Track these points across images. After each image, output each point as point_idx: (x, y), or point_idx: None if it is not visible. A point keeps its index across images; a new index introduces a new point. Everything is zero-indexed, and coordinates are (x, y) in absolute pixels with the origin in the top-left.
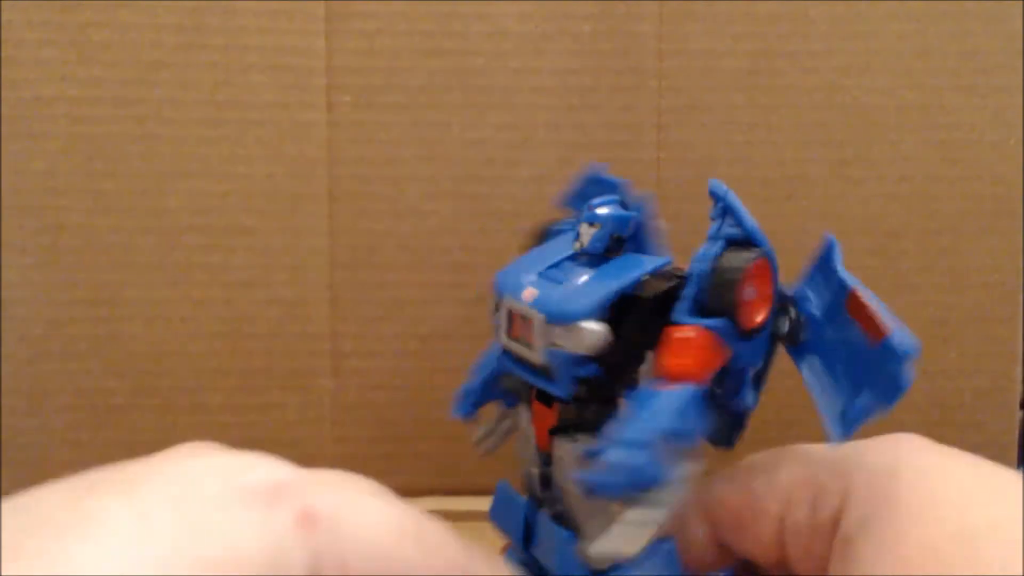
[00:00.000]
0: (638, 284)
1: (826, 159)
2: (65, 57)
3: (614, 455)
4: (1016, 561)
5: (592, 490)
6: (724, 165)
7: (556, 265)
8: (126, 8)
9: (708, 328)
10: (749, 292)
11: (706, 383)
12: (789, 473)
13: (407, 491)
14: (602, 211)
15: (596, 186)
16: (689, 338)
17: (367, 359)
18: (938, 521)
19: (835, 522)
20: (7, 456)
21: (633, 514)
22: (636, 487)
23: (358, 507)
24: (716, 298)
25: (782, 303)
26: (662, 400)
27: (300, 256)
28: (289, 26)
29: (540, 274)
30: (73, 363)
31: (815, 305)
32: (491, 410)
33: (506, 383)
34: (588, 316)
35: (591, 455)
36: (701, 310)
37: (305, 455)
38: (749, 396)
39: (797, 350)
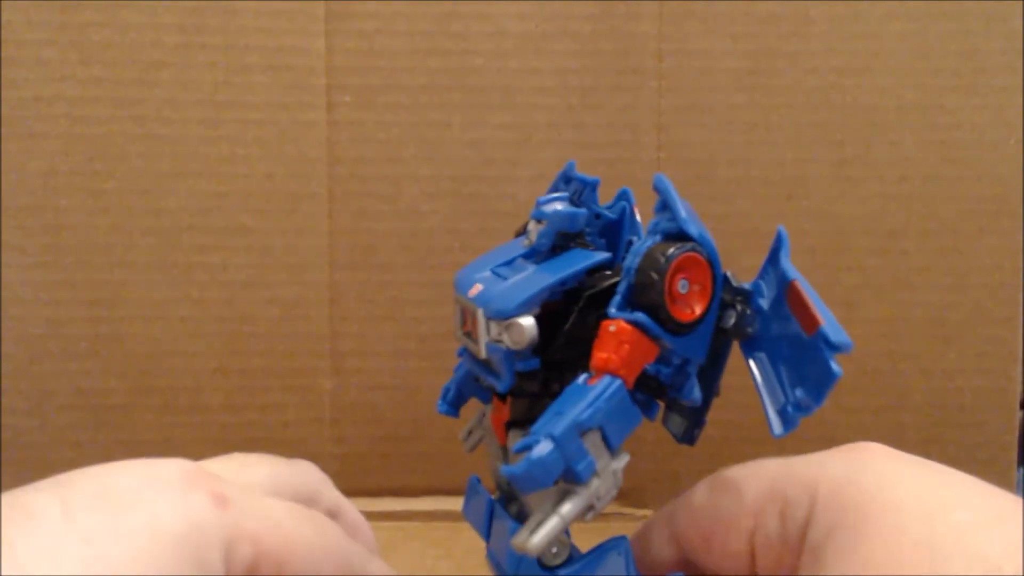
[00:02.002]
0: (579, 279)
1: (826, 159)
2: (65, 57)
3: (523, 447)
4: (978, 572)
5: (510, 483)
6: (724, 165)
7: (509, 262)
8: (126, 8)
9: (632, 322)
10: (682, 285)
11: (631, 377)
12: (756, 488)
13: (407, 491)
14: (548, 208)
15: (569, 184)
16: (612, 332)
17: (367, 359)
18: (901, 529)
19: (803, 534)
20: (7, 456)
21: (567, 508)
22: (541, 479)
23: (260, 497)
24: (641, 291)
25: (735, 296)
26: (579, 393)
27: (300, 256)
28: (289, 26)
29: (492, 270)
30: (73, 363)
31: (766, 299)
32: (476, 406)
33: (480, 380)
34: (520, 312)
35: (517, 449)
36: (633, 304)
37: (305, 455)
38: (695, 391)
39: (747, 345)
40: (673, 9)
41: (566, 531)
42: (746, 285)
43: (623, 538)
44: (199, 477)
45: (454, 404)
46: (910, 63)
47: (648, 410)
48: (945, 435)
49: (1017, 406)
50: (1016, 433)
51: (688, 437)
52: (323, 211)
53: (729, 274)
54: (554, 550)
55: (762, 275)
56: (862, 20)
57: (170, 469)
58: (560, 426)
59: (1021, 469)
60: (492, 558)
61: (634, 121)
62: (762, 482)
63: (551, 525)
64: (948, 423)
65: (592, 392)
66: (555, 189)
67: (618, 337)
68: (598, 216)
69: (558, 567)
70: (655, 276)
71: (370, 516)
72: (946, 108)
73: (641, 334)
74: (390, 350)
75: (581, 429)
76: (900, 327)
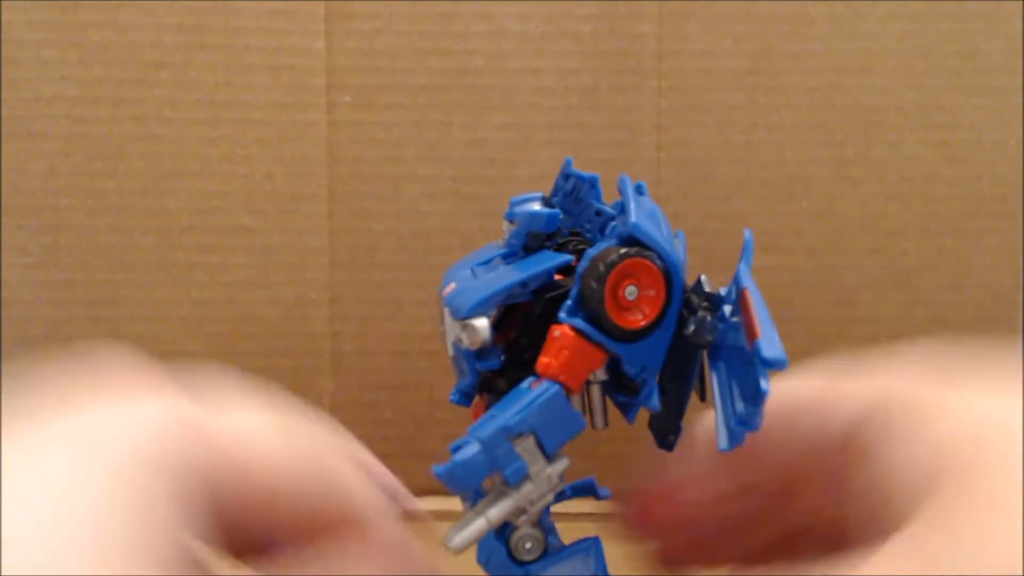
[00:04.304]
0: (543, 280)
1: (826, 159)
2: (65, 57)
3: (454, 448)
4: None
5: (440, 480)
6: (724, 165)
7: (488, 261)
8: (126, 8)
9: (574, 327)
10: (629, 292)
11: (572, 383)
12: (798, 387)
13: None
14: (519, 208)
15: (568, 180)
16: (556, 337)
17: (367, 359)
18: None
19: (848, 436)
20: None
21: (494, 510)
22: (464, 481)
23: (234, 411)
24: (583, 298)
25: (702, 301)
26: (517, 397)
27: (300, 256)
28: (289, 26)
29: (472, 268)
30: None
31: (731, 306)
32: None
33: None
34: (473, 313)
35: (450, 449)
36: (581, 309)
37: None
38: (653, 398)
39: (711, 354)
40: (673, 9)
41: (549, 526)
42: (721, 291)
43: (595, 538)
44: (165, 397)
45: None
46: (910, 63)
47: (628, 412)
48: None
49: None
50: None
51: (665, 443)
52: (323, 211)
53: (703, 278)
54: (527, 545)
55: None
56: (862, 20)
57: (130, 389)
58: (488, 429)
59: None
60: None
61: (634, 121)
62: (807, 380)
63: (475, 526)
64: None
65: (527, 397)
66: (556, 187)
67: (560, 342)
68: (599, 213)
69: (530, 563)
70: (594, 284)
71: None
72: (946, 108)
73: (583, 341)
74: (390, 350)
75: (509, 433)
76: (900, 327)
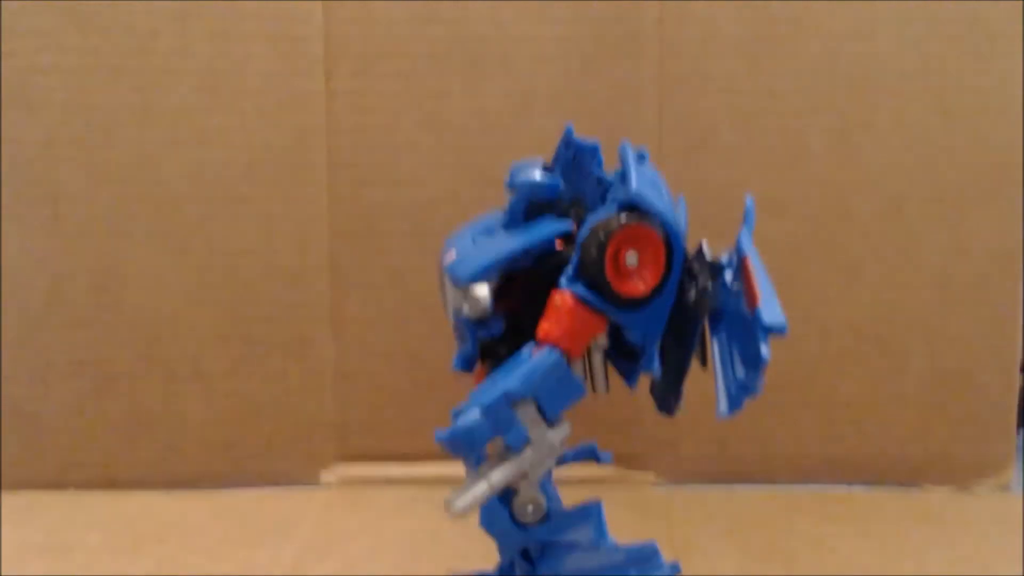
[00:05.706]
0: (545, 248)
1: (828, 126)
2: (62, 26)
3: (456, 414)
4: None
5: (442, 446)
6: (726, 132)
7: (489, 229)
8: None
9: (575, 294)
10: (630, 258)
11: (574, 349)
12: None
13: (408, 456)
14: (519, 176)
15: (569, 148)
16: (556, 304)
17: (367, 327)
18: None
19: None
20: (8, 425)
21: (496, 474)
22: (466, 445)
23: None
24: (583, 266)
25: (703, 268)
26: (518, 363)
27: (300, 225)
28: None
29: (473, 236)
30: (75, 332)
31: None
32: None
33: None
34: (473, 281)
35: (453, 415)
36: (581, 276)
37: (306, 422)
38: (654, 362)
39: (712, 321)
40: None
41: (551, 490)
42: (721, 258)
43: (598, 503)
44: None
45: (466, 363)
46: (912, 29)
47: (629, 378)
48: (946, 399)
49: (1017, 370)
50: (1016, 397)
51: (665, 407)
52: (322, 180)
53: (704, 245)
54: (529, 509)
55: (734, 246)
56: None
57: None
58: (490, 395)
59: (1021, 432)
60: None
61: (635, 88)
62: None
63: (477, 491)
64: (949, 387)
65: (529, 363)
66: (557, 155)
67: (560, 309)
68: (600, 181)
69: (531, 526)
70: (594, 252)
71: (374, 481)
72: (948, 74)
73: (584, 307)
74: (390, 317)
75: (511, 399)
76: (901, 293)
